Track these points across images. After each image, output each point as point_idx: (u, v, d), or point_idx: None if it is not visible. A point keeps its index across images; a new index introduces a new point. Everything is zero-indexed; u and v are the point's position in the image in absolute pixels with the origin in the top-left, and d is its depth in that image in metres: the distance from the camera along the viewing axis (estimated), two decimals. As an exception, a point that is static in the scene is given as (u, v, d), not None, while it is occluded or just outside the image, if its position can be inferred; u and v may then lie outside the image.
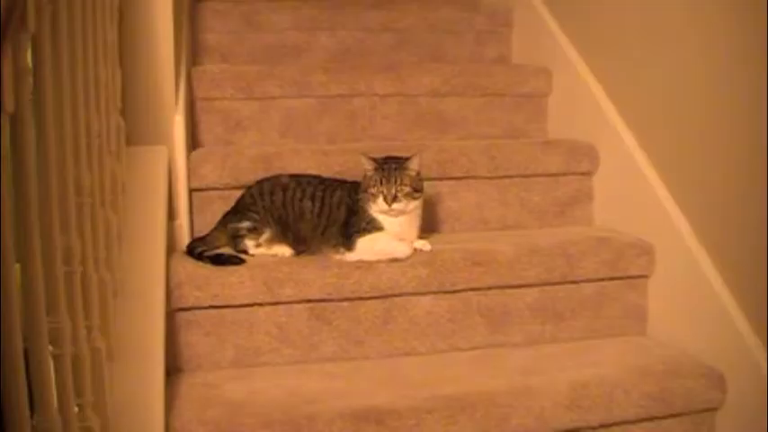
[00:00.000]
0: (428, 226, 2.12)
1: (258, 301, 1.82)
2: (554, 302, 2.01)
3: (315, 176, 1.99)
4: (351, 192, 1.93)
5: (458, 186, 2.20)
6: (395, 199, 1.83)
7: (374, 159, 1.89)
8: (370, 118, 2.38)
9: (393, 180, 1.83)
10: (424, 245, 1.95)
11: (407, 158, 1.87)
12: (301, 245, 1.94)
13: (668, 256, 1.98)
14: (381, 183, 1.84)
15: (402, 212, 1.86)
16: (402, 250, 1.89)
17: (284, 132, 2.34)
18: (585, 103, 2.29)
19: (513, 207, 2.22)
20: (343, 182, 1.98)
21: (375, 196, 1.85)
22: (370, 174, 1.88)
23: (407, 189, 1.84)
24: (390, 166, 1.85)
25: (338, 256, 1.89)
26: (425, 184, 1.92)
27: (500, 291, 1.96)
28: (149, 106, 1.97)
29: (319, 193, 1.93)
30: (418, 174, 1.88)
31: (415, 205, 1.88)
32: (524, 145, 2.25)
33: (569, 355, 1.90)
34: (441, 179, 2.17)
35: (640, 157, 2.08)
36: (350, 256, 1.88)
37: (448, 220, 2.20)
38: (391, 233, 1.89)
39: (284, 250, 1.94)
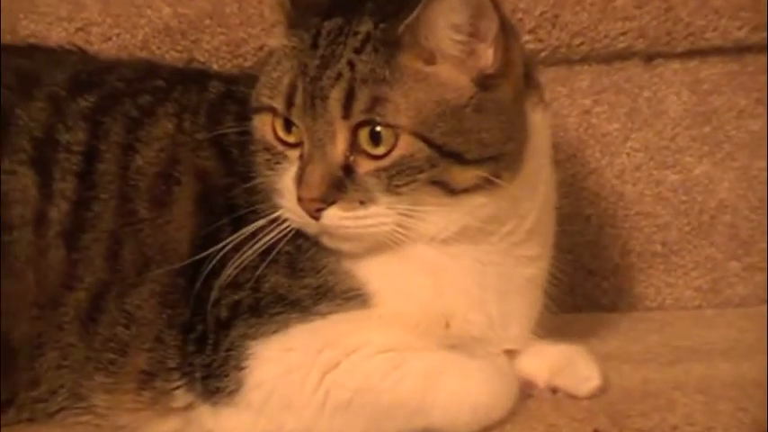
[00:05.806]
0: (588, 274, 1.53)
1: None
2: None
3: (64, 56, 1.33)
4: (220, 120, 1.21)
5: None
6: (337, 187, 1.07)
7: None
8: None
9: (332, 95, 1.05)
10: (566, 368, 1.17)
11: None
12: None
13: None
14: (294, 101, 1.07)
15: (382, 248, 1.11)
16: (479, 395, 1.09)
17: None
18: None
19: None
20: (192, 76, 1.30)
21: (275, 158, 1.11)
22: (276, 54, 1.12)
23: (398, 155, 1.04)
24: (342, 30, 1.07)
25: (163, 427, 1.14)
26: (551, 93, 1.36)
27: None
28: None
29: (77, 134, 1.22)
30: (497, 73, 1.06)
31: (459, 218, 1.08)
32: None
33: None
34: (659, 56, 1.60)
35: None
36: (221, 423, 1.11)
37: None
38: (415, 317, 1.11)
39: None
